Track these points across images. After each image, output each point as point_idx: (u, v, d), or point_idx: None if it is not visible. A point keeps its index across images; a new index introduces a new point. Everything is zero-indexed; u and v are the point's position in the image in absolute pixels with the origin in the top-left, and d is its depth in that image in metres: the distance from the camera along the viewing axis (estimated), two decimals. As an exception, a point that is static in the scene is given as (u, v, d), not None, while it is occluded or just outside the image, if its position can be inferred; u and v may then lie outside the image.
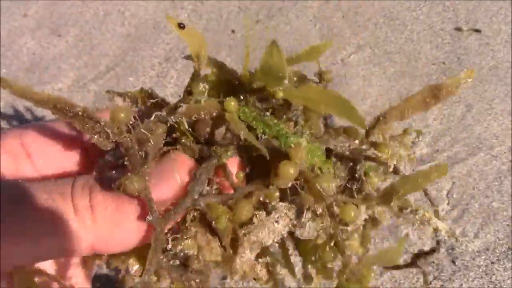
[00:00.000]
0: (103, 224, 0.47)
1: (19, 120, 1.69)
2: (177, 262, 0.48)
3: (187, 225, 0.46)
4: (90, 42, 1.92)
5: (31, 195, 0.46)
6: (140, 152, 0.46)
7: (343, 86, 1.78)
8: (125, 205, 0.46)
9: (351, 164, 0.51)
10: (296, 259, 0.54)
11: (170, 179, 0.47)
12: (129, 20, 1.99)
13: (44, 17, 2.00)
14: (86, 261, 0.54)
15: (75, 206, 0.46)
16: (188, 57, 0.52)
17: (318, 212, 0.46)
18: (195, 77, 0.51)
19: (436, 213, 0.50)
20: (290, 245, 0.54)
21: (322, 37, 1.94)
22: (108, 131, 0.44)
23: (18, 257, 0.45)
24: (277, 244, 0.51)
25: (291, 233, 0.51)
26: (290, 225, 0.47)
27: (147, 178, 0.44)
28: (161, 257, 0.45)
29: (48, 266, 0.52)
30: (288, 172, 0.44)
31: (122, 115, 0.44)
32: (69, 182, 0.48)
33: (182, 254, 0.46)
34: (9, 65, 1.84)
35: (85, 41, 1.92)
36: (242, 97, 0.50)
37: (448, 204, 1.47)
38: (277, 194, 0.47)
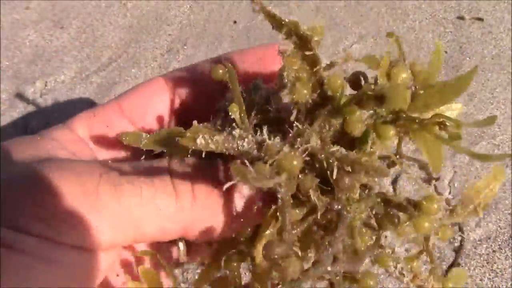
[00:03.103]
0: (201, 209, 0.48)
1: (21, 114, 1.70)
2: None
3: None
4: (92, 34, 1.93)
5: (129, 178, 0.47)
6: None
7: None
8: (221, 195, 0.49)
9: None
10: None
11: None
12: (131, 12, 1.99)
13: (46, 9, 2.01)
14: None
15: (176, 188, 0.48)
16: None
17: None
18: None
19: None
20: None
21: (324, 27, 1.93)
22: None
23: (115, 237, 0.46)
24: None
25: None
26: None
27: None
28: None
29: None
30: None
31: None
32: (165, 168, 0.50)
33: None
34: (11, 57, 1.85)
35: (88, 33, 1.93)
36: None
37: (449, 193, 1.48)
38: None
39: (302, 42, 0.47)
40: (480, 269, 1.33)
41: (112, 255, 0.48)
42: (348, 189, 0.44)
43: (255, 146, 0.45)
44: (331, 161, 0.44)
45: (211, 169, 0.50)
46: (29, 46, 1.89)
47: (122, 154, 0.59)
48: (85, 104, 1.69)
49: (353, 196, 0.45)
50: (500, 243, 1.37)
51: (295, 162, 0.41)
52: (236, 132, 0.46)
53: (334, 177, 0.44)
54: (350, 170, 0.43)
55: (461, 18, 1.98)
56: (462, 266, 1.32)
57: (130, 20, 1.97)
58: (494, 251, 1.36)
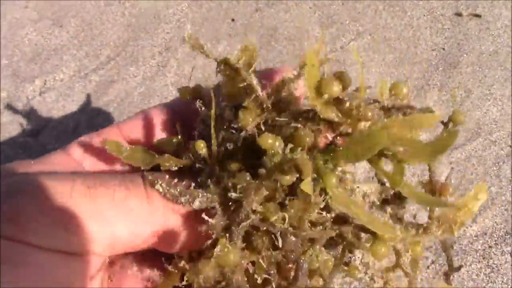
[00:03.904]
0: (172, 213, 0.49)
1: (20, 112, 1.71)
2: None
3: None
4: (91, 33, 1.93)
5: (103, 182, 0.48)
6: None
7: (342, 73, 1.79)
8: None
9: None
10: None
11: None
12: (129, 10, 2.00)
13: (45, 8, 2.01)
14: None
15: (148, 191, 0.48)
16: None
17: None
18: None
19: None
20: None
21: (321, 25, 1.94)
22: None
23: (87, 239, 0.46)
24: None
25: None
26: None
27: None
28: None
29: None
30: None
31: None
32: (139, 174, 0.51)
33: None
34: (10, 55, 1.86)
35: (86, 32, 1.94)
36: None
37: (446, 189, 1.48)
38: None
39: (236, 73, 0.48)
40: (476, 265, 1.33)
41: (94, 261, 0.49)
42: (296, 249, 0.46)
43: (208, 203, 0.47)
44: (273, 231, 0.46)
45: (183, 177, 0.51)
46: (28, 45, 1.89)
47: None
48: (84, 102, 1.70)
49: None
50: (496, 239, 1.37)
51: (232, 257, 0.44)
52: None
53: (280, 245, 0.46)
54: (293, 232, 0.45)
55: (458, 14, 1.99)
56: (458, 262, 1.33)
57: (129, 19, 1.98)
58: (490, 246, 1.36)
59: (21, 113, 1.70)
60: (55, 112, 1.70)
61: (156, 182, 0.48)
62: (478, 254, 1.35)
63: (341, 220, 0.48)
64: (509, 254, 1.34)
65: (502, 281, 1.30)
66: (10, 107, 1.71)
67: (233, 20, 1.96)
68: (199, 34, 1.92)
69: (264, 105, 0.49)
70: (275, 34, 1.90)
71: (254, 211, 0.45)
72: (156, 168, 0.52)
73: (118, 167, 0.56)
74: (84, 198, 0.46)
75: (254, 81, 0.48)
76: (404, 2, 2.01)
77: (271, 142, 0.45)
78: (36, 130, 1.65)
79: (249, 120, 0.48)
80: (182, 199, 0.48)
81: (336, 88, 0.44)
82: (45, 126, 1.66)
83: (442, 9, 2.01)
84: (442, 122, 0.52)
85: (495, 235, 1.38)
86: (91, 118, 1.67)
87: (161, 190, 0.48)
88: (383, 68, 1.80)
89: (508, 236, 1.37)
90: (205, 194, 0.48)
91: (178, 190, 0.48)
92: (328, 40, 1.89)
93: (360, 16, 1.97)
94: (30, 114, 1.70)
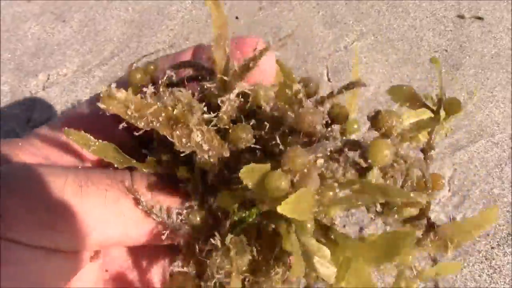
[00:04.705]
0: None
1: (23, 107, 1.70)
2: None
3: None
4: (94, 28, 1.93)
5: (95, 180, 0.47)
6: None
7: (346, 73, 1.80)
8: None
9: None
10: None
11: None
12: (133, 6, 2.00)
13: (48, 2, 2.01)
14: None
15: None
16: None
17: None
18: None
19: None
20: None
21: (325, 24, 1.95)
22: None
23: (77, 237, 0.45)
24: None
25: None
26: None
27: None
28: None
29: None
30: None
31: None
32: (127, 172, 0.49)
33: None
34: (13, 50, 1.85)
35: (90, 27, 1.93)
36: None
37: (449, 190, 1.49)
38: None
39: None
40: (479, 265, 1.35)
41: (85, 256, 0.48)
42: None
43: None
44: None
45: (171, 178, 0.50)
46: (31, 39, 1.89)
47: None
48: (87, 98, 1.70)
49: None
50: (498, 239, 1.39)
51: None
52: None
53: None
54: None
55: (461, 17, 2.00)
56: (461, 263, 1.34)
57: (132, 15, 1.97)
58: (492, 247, 1.38)
59: (24, 107, 1.69)
60: (59, 107, 1.70)
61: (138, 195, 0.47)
62: (480, 255, 1.36)
63: None
64: (511, 255, 1.36)
65: (505, 282, 1.32)
66: (12, 101, 1.70)
67: (237, 18, 1.96)
68: (202, 31, 1.92)
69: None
70: (278, 33, 1.90)
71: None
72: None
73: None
74: (75, 198, 0.45)
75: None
76: (407, 3, 2.02)
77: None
78: (40, 125, 1.64)
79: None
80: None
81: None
82: (49, 121, 1.65)
83: (445, 11, 2.02)
84: (433, 111, 0.50)
85: (497, 236, 1.39)
86: (95, 113, 1.66)
87: (144, 205, 0.47)
88: (387, 68, 1.81)
89: (510, 237, 1.39)
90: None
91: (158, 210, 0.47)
92: (331, 40, 1.89)
93: (364, 16, 1.98)
94: (33, 108, 1.69)
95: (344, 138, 0.47)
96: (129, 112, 0.43)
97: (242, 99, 0.48)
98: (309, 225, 0.42)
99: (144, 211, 0.47)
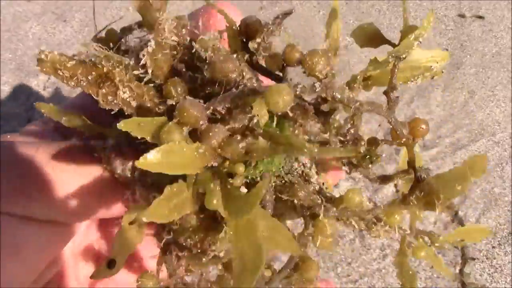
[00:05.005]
0: None
1: (24, 107, 1.70)
2: None
3: None
4: (95, 28, 1.93)
5: (66, 150, 0.46)
6: None
7: (346, 72, 1.80)
8: None
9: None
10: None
11: None
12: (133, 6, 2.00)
13: (49, 2, 2.01)
14: None
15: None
16: None
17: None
18: None
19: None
20: None
21: (326, 23, 1.94)
22: None
23: (53, 211, 0.45)
24: None
25: None
26: None
27: None
28: None
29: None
30: None
31: None
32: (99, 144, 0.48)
33: None
34: (14, 49, 1.85)
35: (90, 27, 1.93)
36: None
37: (450, 189, 1.49)
38: None
39: None
40: (480, 265, 1.35)
41: (67, 232, 0.48)
42: None
43: None
44: None
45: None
46: (32, 39, 1.89)
47: None
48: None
49: None
50: (499, 239, 1.39)
51: None
52: None
53: None
54: None
55: (462, 16, 2.00)
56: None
57: (133, 14, 1.97)
58: (493, 247, 1.38)
59: (25, 107, 1.69)
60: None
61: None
62: (481, 254, 1.36)
63: None
64: (511, 255, 1.36)
65: (506, 281, 1.32)
66: (13, 101, 1.70)
67: (237, 17, 1.96)
68: (203, 31, 1.92)
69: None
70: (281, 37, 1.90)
71: None
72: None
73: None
74: (47, 167, 0.44)
75: None
76: (408, 2, 2.02)
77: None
78: (41, 125, 1.64)
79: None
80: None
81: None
82: (49, 121, 1.66)
83: (446, 10, 2.02)
84: (393, 45, 0.45)
85: (498, 236, 1.39)
86: (96, 113, 1.66)
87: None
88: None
89: (511, 236, 1.39)
90: None
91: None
92: (332, 39, 1.89)
93: (364, 15, 1.98)
94: (34, 108, 1.69)
95: (247, 86, 0.43)
96: (60, 72, 0.43)
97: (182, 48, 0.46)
98: (211, 185, 0.40)
99: (114, 177, 0.46)
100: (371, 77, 0.49)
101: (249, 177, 0.44)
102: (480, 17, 1.99)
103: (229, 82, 0.42)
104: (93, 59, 0.43)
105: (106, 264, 0.44)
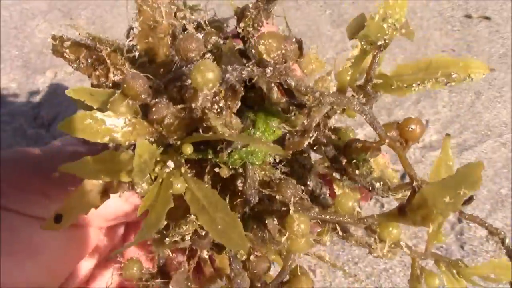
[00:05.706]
0: None
1: (31, 104, 1.70)
2: None
3: None
4: (101, 26, 1.93)
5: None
6: None
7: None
8: None
9: None
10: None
11: None
12: (140, 4, 2.00)
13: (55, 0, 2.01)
14: None
15: None
16: None
17: None
18: None
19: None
20: None
21: (332, 23, 1.94)
22: None
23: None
24: None
25: None
26: None
27: None
28: None
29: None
30: None
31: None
32: None
33: None
34: (21, 46, 1.85)
35: (97, 24, 1.93)
36: None
37: (456, 190, 1.49)
38: None
39: None
40: (486, 266, 1.35)
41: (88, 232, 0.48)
42: None
43: None
44: None
45: None
46: (39, 36, 1.89)
47: None
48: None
49: None
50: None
51: None
52: None
53: None
54: None
55: (468, 16, 2.00)
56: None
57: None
58: (500, 248, 1.37)
59: (32, 104, 1.70)
60: (66, 104, 1.70)
61: None
62: (488, 255, 1.36)
63: None
64: (518, 256, 1.36)
65: (512, 283, 1.32)
66: (20, 98, 1.70)
67: (244, 16, 1.96)
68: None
69: None
70: (285, 32, 1.90)
71: None
72: None
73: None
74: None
75: None
76: (415, 2, 2.02)
77: None
78: (48, 122, 1.64)
79: None
80: None
81: None
82: (56, 118, 1.66)
83: (452, 10, 2.02)
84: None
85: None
86: (102, 111, 1.66)
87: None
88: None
89: (518, 238, 1.39)
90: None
91: None
92: (338, 39, 1.89)
93: (371, 15, 1.98)
94: (40, 105, 1.70)
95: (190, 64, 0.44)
96: (66, 55, 0.50)
97: None
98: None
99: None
100: (376, 85, 0.48)
101: (230, 166, 0.44)
102: (487, 18, 1.99)
103: (188, 61, 0.43)
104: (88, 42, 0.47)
105: (53, 218, 0.43)
